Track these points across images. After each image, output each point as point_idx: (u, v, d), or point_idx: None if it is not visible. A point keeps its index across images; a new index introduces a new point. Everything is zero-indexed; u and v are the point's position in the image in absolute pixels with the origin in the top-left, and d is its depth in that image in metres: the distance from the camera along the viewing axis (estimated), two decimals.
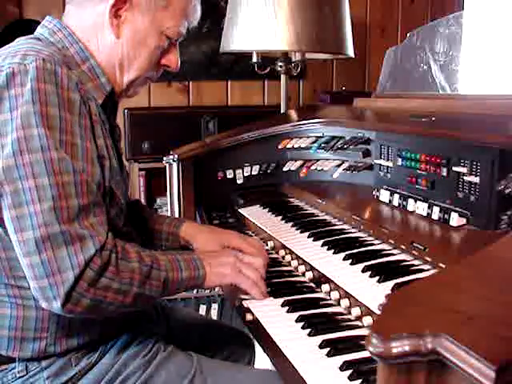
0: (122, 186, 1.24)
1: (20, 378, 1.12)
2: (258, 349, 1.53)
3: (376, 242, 1.36)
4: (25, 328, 1.10)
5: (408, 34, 1.97)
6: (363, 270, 1.18)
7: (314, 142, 1.91)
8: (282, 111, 2.77)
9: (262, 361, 1.34)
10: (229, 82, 3.21)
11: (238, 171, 1.96)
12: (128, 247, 1.07)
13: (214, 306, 2.99)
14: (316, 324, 1.10)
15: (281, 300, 1.22)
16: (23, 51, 1.05)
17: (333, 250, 1.32)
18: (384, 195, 1.53)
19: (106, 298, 1.01)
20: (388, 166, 1.57)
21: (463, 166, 1.26)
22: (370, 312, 1.06)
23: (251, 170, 1.98)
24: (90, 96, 1.12)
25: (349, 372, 0.92)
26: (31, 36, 1.18)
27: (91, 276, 0.98)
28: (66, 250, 0.96)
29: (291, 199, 1.88)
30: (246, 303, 1.24)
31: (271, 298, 1.25)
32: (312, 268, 1.31)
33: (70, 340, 1.13)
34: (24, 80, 0.99)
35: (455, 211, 1.27)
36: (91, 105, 1.11)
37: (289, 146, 1.95)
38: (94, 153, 1.07)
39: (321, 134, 1.90)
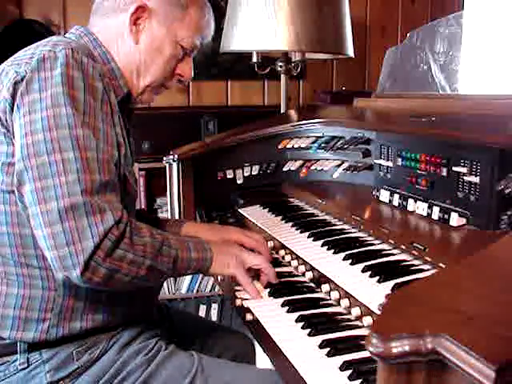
0: (133, 178, 1.28)
1: (21, 370, 1.13)
2: (259, 350, 1.53)
3: (376, 241, 1.36)
4: (29, 307, 1.12)
5: (408, 34, 1.97)
6: (363, 270, 1.18)
7: (314, 142, 1.90)
8: (282, 111, 2.77)
9: (263, 362, 1.34)
10: (229, 82, 3.22)
11: (238, 171, 1.96)
12: (140, 224, 1.13)
13: (214, 306, 3.00)
14: (316, 324, 1.10)
15: (281, 300, 1.22)
16: (54, 41, 1.13)
17: (333, 250, 1.32)
18: (384, 195, 1.53)
19: (121, 268, 1.05)
20: (388, 166, 1.57)
21: (463, 166, 1.26)
22: (370, 312, 1.07)
23: (251, 170, 1.98)
24: (110, 88, 1.19)
25: (349, 372, 0.92)
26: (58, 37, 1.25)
27: (108, 246, 1.02)
28: (87, 220, 1.01)
29: (291, 199, 1.88)
30: (245, 303, 1.24)
31: (271, 298, 1.25)
32: (312, 268, 1.31)
33: (72, 324, 1.15)
34: (54, 65, 1.06)
35: (455, 211, 1.27)
36: (111, 95, 1.18)
37: (289, 146, 1.95)
38: (114, 138, 1.14)
39: (321, 134, 1.90)
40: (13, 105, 1.06)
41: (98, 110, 1.10)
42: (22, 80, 1.06)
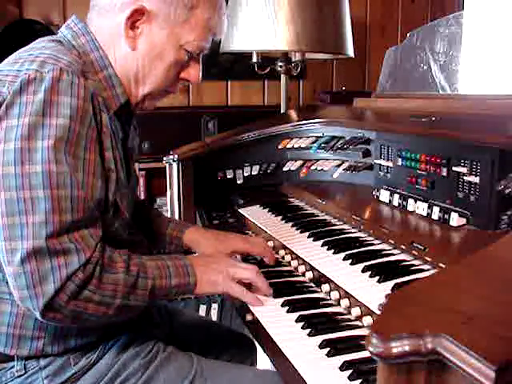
0: (128, 199, 1.22)
1: (18, 377, 1.12)
2: (260, 350, 1.53)
3: (376, 241, 1.36)
4: (23, 326, 1.10)
5: (408, 34, 1.97)
6: (363, 270, 1.18)
7: (314, 142, 1.91)
8: (282, 111, 2.77)
9: (264, 362, 1.34)
10: (229, 82, 3.21)
11: (238, 171, 1.96)
12: (115, 257, 1.06)
13: (214, 306, 2.99)
14: (316, 324, 1.10)
15: (281, 300, 1.22)
16: (43, 57, 1.04)
17: (333, 250, 1.32)
18: (384, 195, 1.53)
19: (86, 310, 1.01)
20: (388, 166, 1.57)
21: (463, 166, 1.26)
22: (370, 312, 1.06)
23: (251, 170, 1.98)
24: (102, 107, 1.11)
25: (349, 372, 0.92)
26: (54, 38, 1.17)
27: (72, 289, 0.97)
28: (50, 264, 0.96)
29: (291, 199, 1.88)
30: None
31: (271, 298, 1.25)
32: (312, 268, 1.31)
33: (67, 341, 1.13)
34: (37, 88, 0.99)
35: (455, 211, 1.27)
36: (103, 116, 1.10)
37: (289, 146, 1.95)
38: (99, 166, 1.07)
39: (321, 134, 1.91)
40: None
41: (83, 136, 1.02)
42: (4, 102, 0.99)
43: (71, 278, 0.97)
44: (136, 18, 1.13)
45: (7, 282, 1.07)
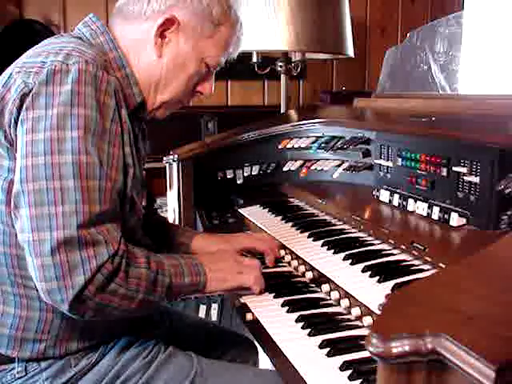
0: (142, 197, 1.24)
1: (19, 378, 1.11)
2: (260, 350, 1.52)
3: (376, 241, 1.35)
4: (26, 328, 1.10)
5: (408, 34, 1.97)
6: (363, 270, 1.18)
7: (314, 142, 1.91)
8: (282, 111, 2.78)
9: (264, 362, 1.34)
10: (229, 82, 3.22)
11: (238, 171, 1.96)
12: (137, 252, 1.08)
13: (214, 306, 2.99)
14: (316, 324, 1.10)
15: (281, 300, 1.22)
16: (67, 50, 1.05)
17: (333, 250, 1.32)
18: (384, 195, 1.53)
19: (111, 303, 1.01)
20: (388, 166, 1.57)
21: (463, 166, 1.26)
22: (370, 312, 1.07)
23: (251, 170, 1.98)
24: (122, 103, 1.12)
25: (349, 372, 0.92)
26: (73, 34, 1.19)
27: (100, 281, 0.98)
28: (80, 255, 0.96)
29: (291, 199, 1.88)
30: (243, 299, 1.23)
31: (271, 298, 1.25)
32: (312, 268, 1.31)
33: (69, 344, 1.13)
34: (64, 80, 1.00)
35: (455, 211, 1.27)
36: (122, 112, 1.11)
37: (289, 145, 1.95)
38: (120, 160, 1.08)
39: (321, 134, 1.90)
40: (17, 118, 1.00)
41: (107, 130, 1.04)
42: (30, 92, 1.00)
43: (100, 269, 0.97)
44: (167, 26, 1.17)
45: (11, 282, 1.09)
